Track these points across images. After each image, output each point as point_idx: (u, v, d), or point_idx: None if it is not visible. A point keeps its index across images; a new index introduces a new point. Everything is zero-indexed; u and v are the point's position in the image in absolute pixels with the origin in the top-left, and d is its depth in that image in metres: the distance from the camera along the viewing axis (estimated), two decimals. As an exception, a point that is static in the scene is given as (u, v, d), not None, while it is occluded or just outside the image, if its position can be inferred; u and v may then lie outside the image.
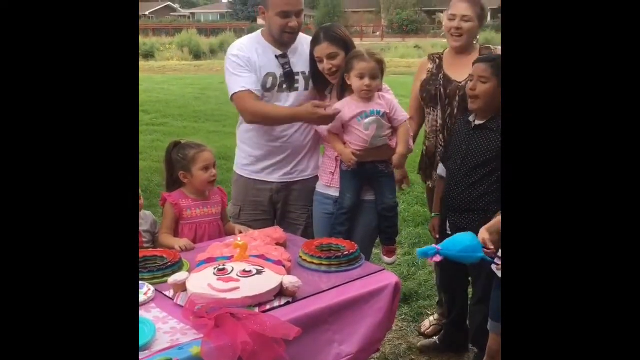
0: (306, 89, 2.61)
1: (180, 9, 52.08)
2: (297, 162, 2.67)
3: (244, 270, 1.74)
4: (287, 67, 2.55)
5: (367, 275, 1.92)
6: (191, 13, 50.63)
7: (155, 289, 1.76)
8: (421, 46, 24.84)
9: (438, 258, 1.97)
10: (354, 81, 2.36)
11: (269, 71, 2.55)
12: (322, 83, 2.57)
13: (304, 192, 2.71)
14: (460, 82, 2.61)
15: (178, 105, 10.42)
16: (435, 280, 3.23)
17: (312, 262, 1.97)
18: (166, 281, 1.77)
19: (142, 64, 17.81)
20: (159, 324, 1.56)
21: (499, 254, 1.97)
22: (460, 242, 1.96)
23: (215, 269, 1.77)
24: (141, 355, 1.39)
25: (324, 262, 1.96)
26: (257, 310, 1.62)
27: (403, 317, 3.13)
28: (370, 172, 2.44)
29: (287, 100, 2.58)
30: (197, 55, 22.15)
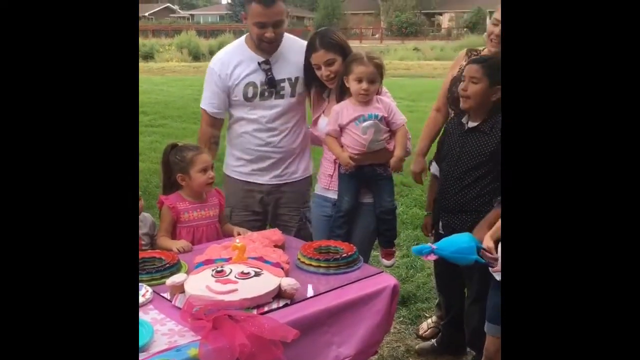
0: (292, 95, 2.62)
1: (179, 11, 52.09)
2: (287, 165, 2.69)
3: (242, 272, 1.74)
4: (270, 73, 2.57)
5: (365, 278, 1.92)
6: (190, 14, 50.65)
7: (153, 291, 1.76)
8: (420, 48, 24.90)
9: (432, 257, 2.00)
10: (352, 84, 2.37)
11: (249, 81, 2.57)
12: (319, 87, 2.57)
13: (294, 193, 2.73)
14: None
15: (177, 106, 10.42)
16: (433, 283, 3.23)
17: (311, 264, 1.97)
18: (164, 283, 1.77)
19: (142, 65, 17.81)
20: (157, 325, 1.56)
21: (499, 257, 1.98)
22: (455, 243, 1.98)
23: (213, 270, 1.77)
24: (139, 356, 1.38)
25: (322, 265, 1.96)
26: (255, 312, 1.62)
27: (401, 319, 3.13)
28: (368, 175, 2.44)
29: (273, 108, 2.60)
30: (196, 56, 22.16)
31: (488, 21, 2.83)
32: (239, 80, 2.57)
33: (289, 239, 2.35)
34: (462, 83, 2.39)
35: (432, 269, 3.21)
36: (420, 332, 2.98)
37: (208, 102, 2.64)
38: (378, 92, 2.44)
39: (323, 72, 2.45)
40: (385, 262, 2.57)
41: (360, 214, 2.50)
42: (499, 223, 2.04)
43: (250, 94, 2.58)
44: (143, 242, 2.29)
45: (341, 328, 1.76)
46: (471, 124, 2.39)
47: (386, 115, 2.39)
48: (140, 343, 1.42)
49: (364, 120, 2.36)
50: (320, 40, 2.46)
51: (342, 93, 2.45)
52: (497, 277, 2.05)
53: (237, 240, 1.99)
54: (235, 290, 1.65)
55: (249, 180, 2.69)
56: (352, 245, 2.10)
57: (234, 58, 2.60)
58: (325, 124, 2.48)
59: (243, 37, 2.65)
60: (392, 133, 2.44)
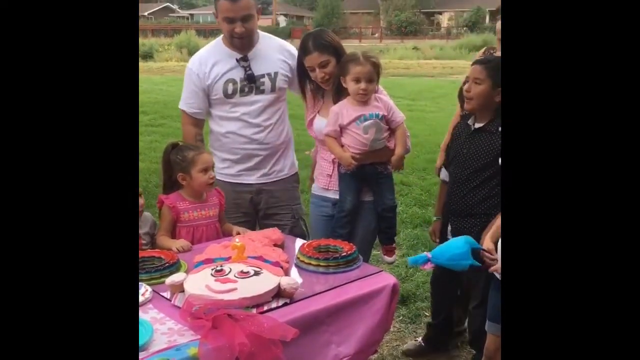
0: (273, 90, 2.63)
1: (179, 10, 52.07)
2: (274, 163, 2.71)
3: (242, 272, 1.74)
4: (248, 69, 2.58)
5: (365, 277, 1.92)
6: (190, 14, 50.63)
7: (153, 290, 1.76)
8: (419, 47, 24.90)
9: (429, 266, 2.00)
10: (349, 85, 2.37)
11: (228, 78, 2.59)
12: (314, 88, 2.57)
13: (284, 191, 2.74)
14: None
15: (176, 106, 10.37)
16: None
17: (310, 263, 1.97)
18: (164, 282, 1.77)
19: (141, 64, 17.81)
20: (157, 324, 1.56)
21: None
22: (449, 250, 1.99)
23: (212, 270, 1.77)
24: (139, 355, 1.38)
25: (321, 263, 1.96)
26: (254, 311, 1.62)
27: (401, 318, 3.14)
28: (369, 174, 2.45)
29: (255, 103, 2.61)
30: (195, 56, 22.10)
31: (498, 23, 2.82)
32: (218, 78, 2.58)
33: (291, 239, 2.35)
34: (466, 84, 2.39)
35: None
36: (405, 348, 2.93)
37: (186, 103, 2.67)
38: (375, 92, 2.44)
39: (317, 74, 2.45)
40: (387, 258, 2.58)
41: (362, 213, 2.50)
42: (498, 222, 2.05)
43: (230, 91, 2.59)
44: (143, 242, 2.29)
45: (341, 327, 1.76)
46: (477, 125, 2.39)
47: (386, 114, 2.40)
48: (140, 342, 1.42)
49: (365, 120, 2.36)
50: (314, 42, 2.45)
51: (339, 93, 2.45)
52: (498, 276, 2.05)
53: (237, 240, 1.99)
54: (235, 289, 1.65)
55: (237, 181, 2.70)
56: (351, 244, 2.10)
57: (212, 57, 2.62)
58: (322, 124, 2.48)
59: (220, 37, 2.66)
60: (392, 131, 2.44)
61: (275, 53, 2.65)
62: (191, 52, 22.28)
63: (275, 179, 2.72)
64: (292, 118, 2.84)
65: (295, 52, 2.61)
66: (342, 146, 2.42)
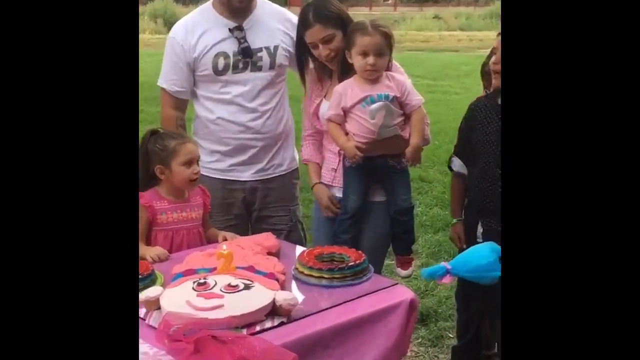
0: (272, 67, 2.62)
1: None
2: (272, 156, 2.70)
3: (229, 285, 1.74)
4: (244, 41, 2.56)
5: (376, 291, 1.93)
6: (167, -23, 50.59)
7: (124, 307, 1.77)
8: (441, 16, 24.84)
9: (448, 279, 1.94)
10: (356, 60, 2.35)
11: (219, 51, 2.56)
12: (319, 67, 2.56)
13: (282, 189, 2.75)
14: None
15: (152, 87, 10.38)
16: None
17: (311, 275, 1.97)
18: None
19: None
20: (128, 348, 1.57)
21: None
22: (473, 259, 1.92)
23: (194, 283, 1.77)
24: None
25: (325, 275, 1.96)
26: (244, 332, 1.63)
27: (420, 340, 3.15)
28: (379, 168, 2.44)
29: (249, 82, 2.60)
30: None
31: None
32: (207, 50, 2.56)
33: (288, 246, 2.35)
34: (493, 56, 2.38)
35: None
36: None
37: (167, 79, 2.64)
38: (388, 68, 2.43)
39: (321, 52, 2.43)
40: (401, 272, 2.58)
41: (371, 215, 2.50)
42: None
43: (221, 66, 2.57)
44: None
45: (348, 351, 1.76)
46: None
47: (399, 95, 2.38)
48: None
49: (373, 102, 2.35)
50: (315, 13, 2.43)
51: (345, 71, 2.43)
52: None
53: (224, 247, 1.99)
54: (221, 306, 1.65)
55: (227, 177, 2.70)
56: (360, 252, 2.10)
57: (200, 25, 2.60)
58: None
59: (209, 2, 2.65)
60: (407, 117, 2.43)
61: (275, 22, 2.64)
62: (168, 23, 22.36)
63: (273, 175, 2.73)
64: (291, 100, 2.84)
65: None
66: (347, 134, 2.42)
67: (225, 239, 2.34)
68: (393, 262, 2.66)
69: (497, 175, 2.37)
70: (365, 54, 2.33)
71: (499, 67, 2.31)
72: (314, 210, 2.70)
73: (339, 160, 2.53)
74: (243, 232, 2.61)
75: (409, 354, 2.94)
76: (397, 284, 2.01)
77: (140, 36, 20.19)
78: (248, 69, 2.59)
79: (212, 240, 2.41)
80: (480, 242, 2.30)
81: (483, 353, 2.89)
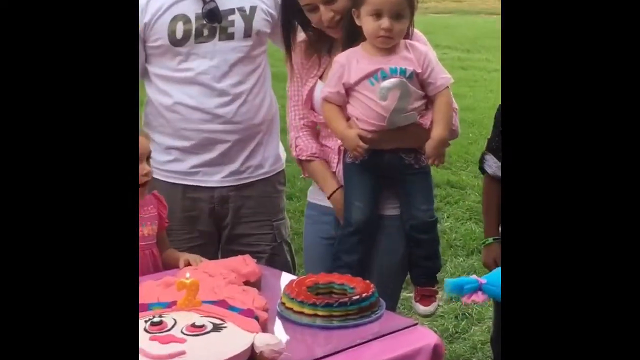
0: (247, 34, 2.63)
1: None
2: (248, 154, 2.72)
3: (194, 325, 1.75)
4: (210, 1, 2.55)
5: (389, 333, 1.94)
6: None
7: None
8: (478, -32, 24.95)
9: (480, 297, 1.95)
10: (366, 22, 2.34)
11: (177, 13, 2.57)
12: (313, 37, 2.55)
13: (263, 199, 2.77)
14: None
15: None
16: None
17: (302, 312, 1.98)
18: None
19: None
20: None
21: None
22: None
23: (147, 322, 1.77)
24: None
25: (320, 312, 1.96)
26: (213, 388, 1.63)
27: (447, 399, 3.16)
28: (391, 167, 2.45)
29: (217, 55, 2.60)
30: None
31: None
32: (161, 13, 2.58)
33: (268, 273, 2.35)
34: None
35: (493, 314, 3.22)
36: None
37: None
38: (407, 35, 2.44)
39: (323, 15, 2.41)
40: (421, 308, 2.54)
41: (382, 232, 2.51)
42: None
43: (180, 34, 2.59)
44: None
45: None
46: None
47: (420, 71, 2.39)
48: None
49: (384, 77, 2.35)
50: None
51: (352, 39, 2.42)
52: None
53: (187, 275, 2.00)
54: (182, 353, 1.66)
55: (190, 182, 2.72)
56: (368, 282, 2.11)
57: None
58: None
59: None
60: (430, 100, 2.44)
61: None
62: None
63: (249, 180, 2.75)
64: (275, 80, 2.84)
65: None
66: (349, 120, 2.42)
67: (188, 264, 2.36)
68: (411, 294, 2.65)
69: None
70: (378, 15, 2.32)
71: None
72: (306, 225, 2.69)
73: (339, 159, 2.52)
74: (212, 255, 2.62)
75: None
76: (416, 324, 2.03)
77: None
78: (215, 37, 2.61)
79: (170, 265, 2.42)
80: None
81: None
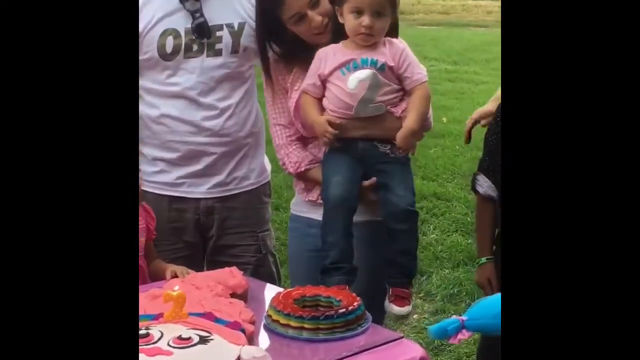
0: (235, 50, 2.65)
1: None
2: (234, 166, 2.73)
3: (180, 337, 1.75)
4: (199, 15, 2.57)
5: (376, 347, 1.94)
6: None
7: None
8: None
9: (465, 334, 1.95)
10: (347, 19, 2.35)
11: (167, 27, 2.59)
12: (292, 50, 2.55)
13: (248, 210, 2.78)
14: None
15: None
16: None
17: (289, 325, 1.98)
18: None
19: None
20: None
21: None
22: (495, 304, 1.92)
23: (133, 334, 1.77)
24: None
25: (306, 325, 1.96)
26: (199, 401, 1.63)
27: (433, 411, 3.16)
28: (366, 155, 2.44)
29: (205, 71, 2.61)
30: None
31: None
32: (152, 26, 2.59)
33: (255, 285, 2.35)
34: None
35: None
36: None
37: None
38: (394, 35, 2.46)
39: (313, 22, 2.41)
40: (395, 308, 2.42)
41: (372, 233, 2.51)
42: None
43: (169, 48, 2.60)
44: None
45: None
46: None
47: (393, 65, 2.39)
48: None
49: (356, 68, 2.36)
50: None
51: (339, 41, 2.44)
52: None
53: (176, 287, 2.00)
54: (169, 365, 1.66)
55: (175, 194, 2.73)
56: (354, 295, 2.11)
57: None
58: None
59: None
60: (407, 94, 2.45)
61: None
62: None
63: (235, 191, 2.76)
64: (261, 91, 2.84)
65: None
66: (324, 111, 2.43)
67: (175, 276, 2.35)
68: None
69: None
70: (359, 12, 2.32)
71: None
72: (291, 237, 2.69)
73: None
74: (198, 266, 2.62)
75: None
76: (402, 337, 2.03)
77: None
78: (204, 53, 2.62)
79: (157, 277, 2.42)
80: None
81: None
